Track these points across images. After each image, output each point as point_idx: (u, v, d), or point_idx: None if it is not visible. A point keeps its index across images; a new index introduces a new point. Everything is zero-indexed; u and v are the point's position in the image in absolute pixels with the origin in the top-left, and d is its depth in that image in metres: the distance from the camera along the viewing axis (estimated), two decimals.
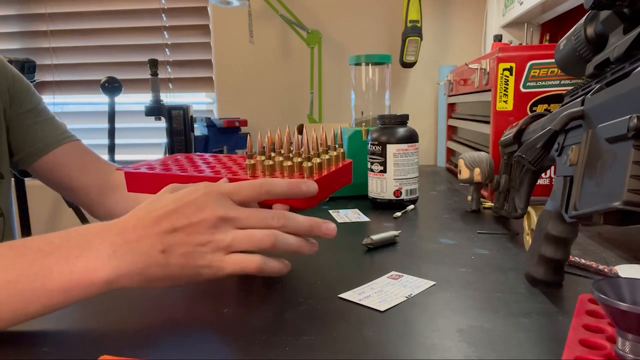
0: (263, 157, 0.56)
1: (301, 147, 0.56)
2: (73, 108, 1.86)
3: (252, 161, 0.56)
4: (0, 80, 0.72)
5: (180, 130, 1.41)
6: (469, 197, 0.83)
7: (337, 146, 0.60)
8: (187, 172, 0.58)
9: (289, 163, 0.54)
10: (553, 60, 0.55)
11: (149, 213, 0.41)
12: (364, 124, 1.01)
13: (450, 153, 1.38)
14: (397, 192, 0.85)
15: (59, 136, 0.77)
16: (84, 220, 1.62)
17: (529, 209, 0.59)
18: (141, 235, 0.40)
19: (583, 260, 0.52)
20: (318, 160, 0.55)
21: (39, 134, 0.76)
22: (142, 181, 0.59)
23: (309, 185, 0.46)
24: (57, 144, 0.77)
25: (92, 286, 0.39)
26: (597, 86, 0.41)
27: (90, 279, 0.38)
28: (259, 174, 0.56)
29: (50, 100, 1.80)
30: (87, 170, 0.79)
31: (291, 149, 0.57)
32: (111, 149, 1.66)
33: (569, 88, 0.51)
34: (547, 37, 1.25)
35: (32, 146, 0.75)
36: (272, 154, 0.56)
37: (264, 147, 0.57)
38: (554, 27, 1.25)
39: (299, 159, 0.55)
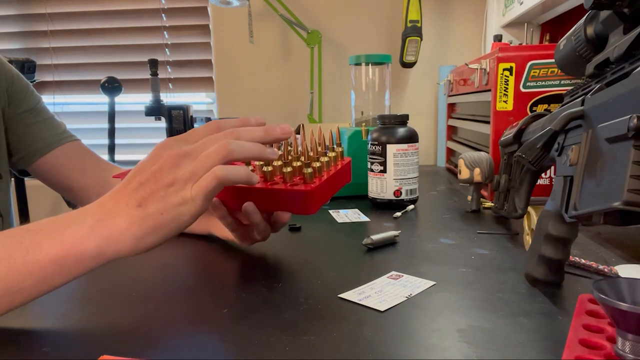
0: (261, 162, 0.55)
1: (299, 149, 0.56)
2: (73, 108, 1.86)
3: (250, 167, 0.56)
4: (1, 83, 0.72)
5: (180, 130, 1.41)
6: (469, 197, 0.83)
7: (334, 146, 0.60)
8: None
9: (289, 169, 0.54)
10: (553, 60, 0.55)
11: (122, 185, 0.43)
12: (364, 124, 1.01)
13: (450, 153, 1.38)
14: (397, 192, 0.85)
15: (58, 136, 0.77)
16: None
17: (529, 209, 0.59)
18: (116, 200, 0.42)
19: (583, 260, 0.52)
20: (317, 164, 0.54)
21: (38, 134, 0.76)
22: None
23: (283, 129, 0.47)
24: (57, 144, 0.77)
25: (84, 255, 0.39)
26: (597, 86, 0.41)
27: (80, 247, 0.39)
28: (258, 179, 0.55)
29: (50, 100, 1.81)
30: (87, 171, 0.79)
31: (289, 149, 0.57)
32: (111, 149, 1.66)
33: (569, 88, 0.51)
34: (547, 37, 1.25)
35: (31, 146, 0.75)
36: None
37: None
38: (554, 27, 1.25)
39: (298, 164, 0.54)
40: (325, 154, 0.57)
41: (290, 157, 0.55)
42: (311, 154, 0.55)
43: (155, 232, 0.41)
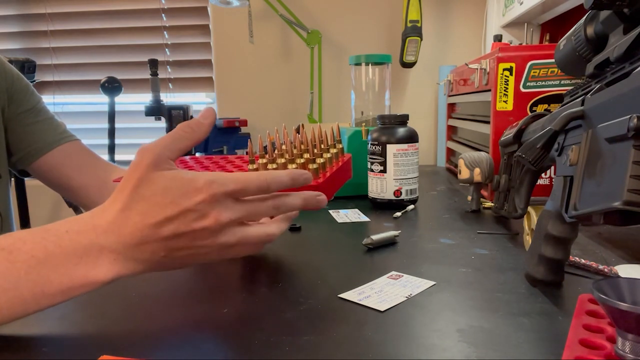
0: (265, 160, 0.56)
1: (301, 145, 0.56)
2: (73, 108, 1.86)
3: (255, 165, 0.56)
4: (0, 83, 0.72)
5: None
6: (469, 197, 0.83)
7: (335, 143, 0.61)
8: None
9: (294, 166, 0.54)
10: (553, 60, 0.55)
11: (145, 217, 0.38)
12: (364, 124, 1.01)
13: (450, 153, 1.38)
14: (397, 192, 0.85)
15: (58, 136, 0.77)
16: None
17: (529, 209, 0.59)
18: (142, 241, 0.38)
19: (583, 260, 0.52)
20: (321, 160, 0.55)
21: (37, 133, 0.76)
22: None
23: (306, 177, 0.46)
24: (56, 144, 0.77)
25: (93, 287, 0.39)
26: (597, 86, 0.41)
27: (91, 282, 0.38)
28: None
29: (50, 100, 1.80)
30: (86, 170, 0.79)
31: (293, 146, 0.57)
32: (111, 149, 1.66)
33: (569, 88, 0.51)
34: (547, 37, 1.25)
35: (31, 146, 0.75)
36: (274, 154, 0.56)
37: (265, 147, 0.57)
38: (554, 27, 1.25)
39: (302, 160, 0.55)
40: (327, 151, 0.57)
41: (294, 155, 0.56)
42: (315, 150, 0.55)
43: (162, 270, 0.41)
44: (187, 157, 0.71)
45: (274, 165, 0.54)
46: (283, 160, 0.55)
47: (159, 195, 0.39)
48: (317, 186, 0.52)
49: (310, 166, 0.53)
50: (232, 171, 0.61)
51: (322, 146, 0.58)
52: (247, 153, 0.57)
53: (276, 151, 0.57)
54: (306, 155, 0.56)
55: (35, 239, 0.38)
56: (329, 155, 0.57)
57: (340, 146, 0.61)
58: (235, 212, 0.40)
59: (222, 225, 0.40)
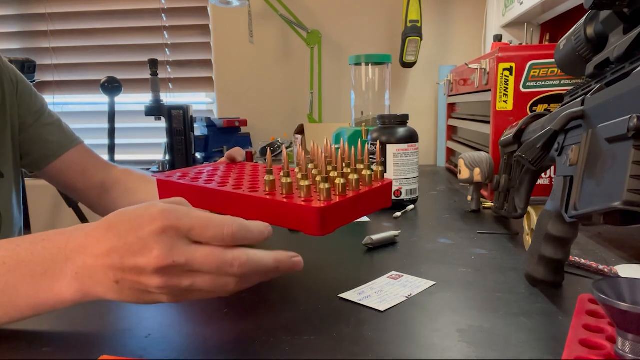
0: (300, 175, 0.48)
1: (342, 162, 0.49)
2: (73, 108, 1.86)
3: (272, 177, 0.49)
4: (5, 81, 0.72)
5: (180, 130, 1.41)
6: (469, 197, 0.83)
7: (374, 162, 0.53)
8: (225, 187, 0.51)
9: (306, 182, 0.46)
10: (553, 60, 0.55)
11: (106, 239, 0.36)
12: (364, 124, 1.01)
13: (450, 153, 1.38)
14: (397, 192, 0.85)
15: (68, 139, 0.78)
16: (83, 220, 1.62)
17: (529, 209, 0.59)
18: (96, 263, 0.36)
19: (583, 260, 0.52)
20: (342, 180, 0.47)
21: (49, 137, 0.76)
22: (175, 191, 0.57)
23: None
24: (67, 148, 0.77)
25: (60, 303, 0.38)
26: (597, 86, 0.41)
27: (57, 298, 0.37)
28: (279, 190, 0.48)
29: (50, 100, 1.81)
30: (89, 172, 0.80)
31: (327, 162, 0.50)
32: (111, 149, 1.66)
33: (569, 88, 0.51)
34: (547, 37, 1.25)
35: (43, 150, 0.76)
36: (307, 170, 0.49)
37: (269, 149, 0.51)
38: (554, 27, 1.25)
39: (319, 178, 0.46)
40: (356, 171, 0.50)
41: (327, 172, 0.49)
42: (334, 168, 0.49)
43: (129, 302, 0.37)
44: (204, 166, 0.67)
45: (307, 182, 0.46)
46: (299, 176, 0.48)
47: (129, 220, 0.36)
48: (319, 209, 0.43)
49: (321, 185, 0.45)
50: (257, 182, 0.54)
51: (359, 166, 0.51)
52: (272, 165, 0.50)
53: (310, 165, 0.52)
54: (334, 175, 0.49)
55: (11, 246, 0.38)
56: (355, 176, 0.49)
57: (380, 169, 0.53)
58: (180, 255, 0.35)
59: (164, 267, 0.34)
